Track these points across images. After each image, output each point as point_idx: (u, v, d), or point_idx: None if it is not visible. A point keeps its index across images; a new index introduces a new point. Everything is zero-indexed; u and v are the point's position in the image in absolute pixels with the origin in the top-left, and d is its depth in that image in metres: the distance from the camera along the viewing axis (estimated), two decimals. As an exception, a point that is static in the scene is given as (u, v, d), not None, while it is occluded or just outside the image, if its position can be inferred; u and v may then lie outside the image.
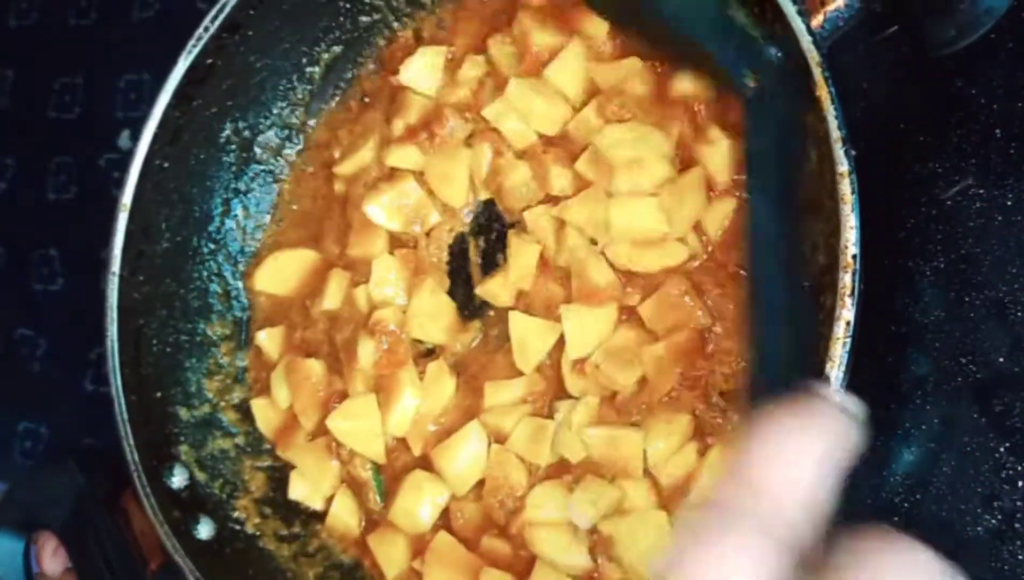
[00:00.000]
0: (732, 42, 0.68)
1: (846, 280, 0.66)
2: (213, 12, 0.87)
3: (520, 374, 0.86)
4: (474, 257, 0.92)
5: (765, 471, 0.39)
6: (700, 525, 0.38)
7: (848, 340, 0.65)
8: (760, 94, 0.65)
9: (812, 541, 0.38)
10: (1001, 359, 0.76)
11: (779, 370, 0.49)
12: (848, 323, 0.65)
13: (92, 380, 1.12)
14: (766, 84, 0.65)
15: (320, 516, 0.92)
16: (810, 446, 0.39)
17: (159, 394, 0.91)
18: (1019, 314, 0.76)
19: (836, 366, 0.65)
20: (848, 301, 0.65)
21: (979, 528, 0.74)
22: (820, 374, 0.57)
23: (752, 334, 0.52)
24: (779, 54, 0.67)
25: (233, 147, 0.97)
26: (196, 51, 0.88)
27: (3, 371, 1.17)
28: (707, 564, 0.37)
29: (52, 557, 0.83)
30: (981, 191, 0.79)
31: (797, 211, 0.61)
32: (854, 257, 0.66)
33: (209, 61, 0.89)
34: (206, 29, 0.88)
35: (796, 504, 0.38)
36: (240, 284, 0.99)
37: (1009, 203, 0.78)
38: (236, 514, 0.92)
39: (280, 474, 0.94)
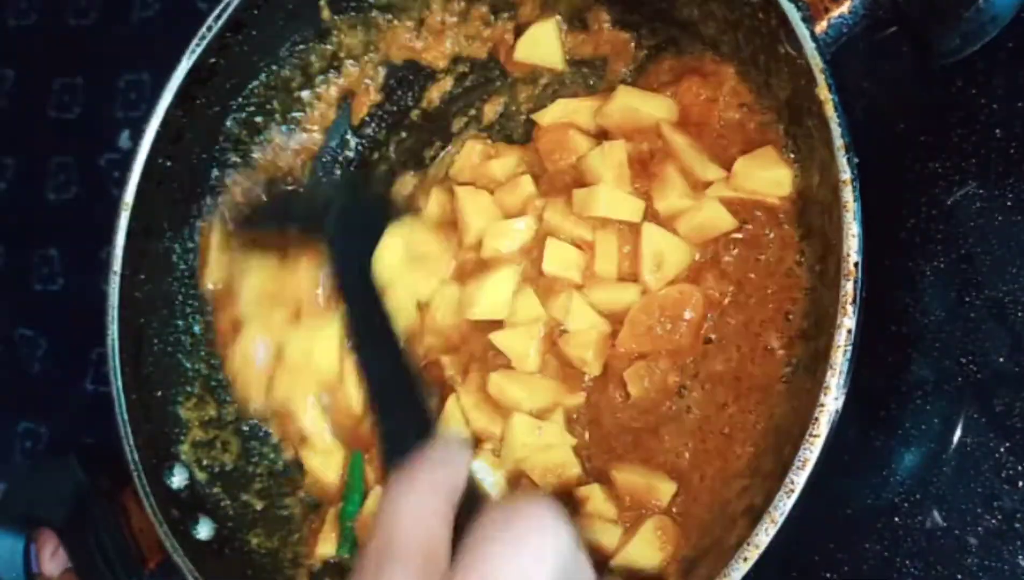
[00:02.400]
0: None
1: (847, 288, 0.65)
2: (217, 11, 0.87)
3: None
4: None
5: (395, 517, 0.51)
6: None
7: (849, 348, 0.65)
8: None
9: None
10: (1001, 359, 0.76)
11: (404, 437, 0.61)
12: (849, 331, 0.65)
13: (92, 380, 1.12)
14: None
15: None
16: (426, 489, 0.52)
17: (160, 393, 0.91)
18: (1019, 314, 0.76)
19: (836, 374, 0.65)
20: (849, 309, 0.65)
21: (979, 528, 0.74)
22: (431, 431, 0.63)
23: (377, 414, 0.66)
24: None
25: (235, 146, 0.97)
26: (199, 50, 0.87)
27: (3, 371, 1.17)
28: None
29: (52, 558, 0.83)
30: (981, 191, 0.79)
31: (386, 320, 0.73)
32: (856, 265, 0.66)
33: (212, 60, 0.89)
34: (209, 28, 0.87)
35: (425, 535, 0.51)
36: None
37: (1009, 203, 0.78)
38: (236, 514, 0.92)
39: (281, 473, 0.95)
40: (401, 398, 0.66)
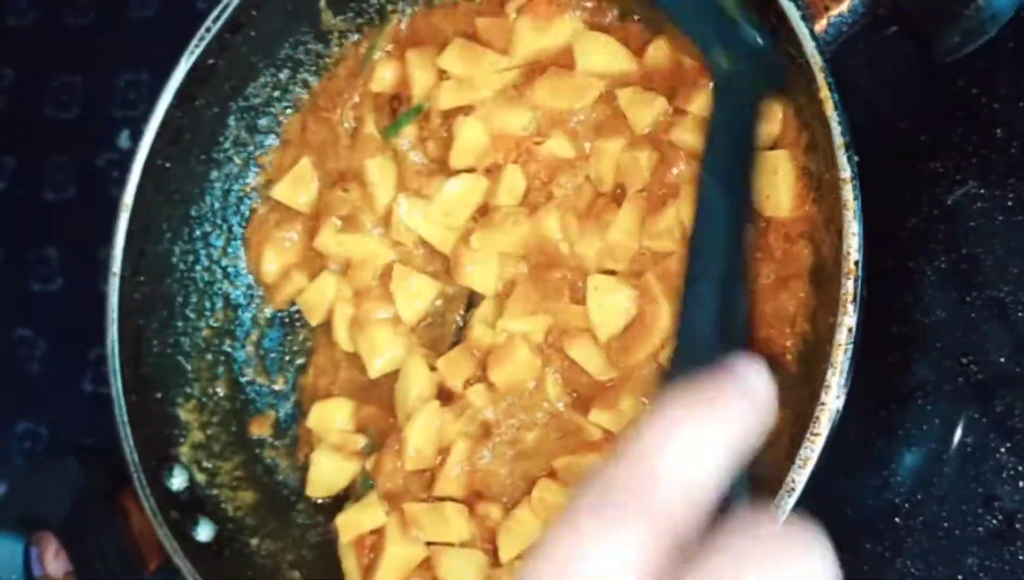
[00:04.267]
0: (710, 18, 0.64)
1: (848, 286, 0.66)
2: (216, 12, 0.87)
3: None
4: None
5: (661, 456, 0.35)
6: (580, 507, 0.35)
7: (850, 347, 0.65)
8: (730, 76, 0.61)
9: (697, 528, 0.35)
10: (1002, 359, 0.76)
11: (703, 350, 0.45)
12: (850, 330, 0.65)
13: (92, 380, 1.11)
14: (739, 67, 0.61)
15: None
16: (713, 432, 0.36)
17: (159, 394, 0.91)
18: (1020, 314, 0.76)
19: (838, 373, 0.65)
20: (850, 307, 0.65)
21: (980, 529, 0.74)
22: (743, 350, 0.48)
23: (683, 310, 0.48)
24: (758, 40, 0.63)
25: (235, 147, 0.97)
26: (199, 51, 0.87)
27: (2, 371, 1.17)
28: (580, 555, 0.34)
29: (55, 559, 0.83)
30: (982, 191, 0.79)
31: (747, 193, 0.57)
32: (856, 263, 0.66)
33: (211, 61, 0.89)
34: (208, 29, 0.87)
35: (688, 494, 0.35)
36: (242, 283, 0.99)
37: (1010, 203, 0.78)
38: (236, 516, 0.91)
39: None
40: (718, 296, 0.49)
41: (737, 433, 0.37)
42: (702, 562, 0.34)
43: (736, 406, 0.37)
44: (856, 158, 0.67)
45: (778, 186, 0.76)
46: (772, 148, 0.78)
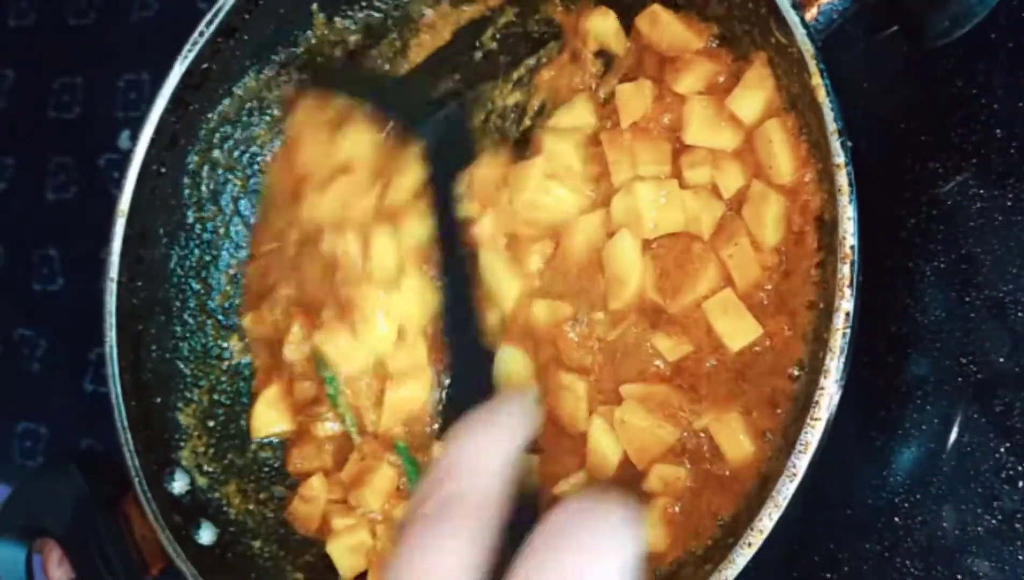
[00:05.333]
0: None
1: (844, 271, 0.66)
2: (208, 16, 0.87)
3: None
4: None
5: (459, 463, 0.51)
6: (414, 517, 0.50)
7: (847, 331, 0.65)
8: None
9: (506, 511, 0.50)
10: (1001, 359, 0.76)
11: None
12: (847, 314, 0.65)
13: (92, 380, 1.12)
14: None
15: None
16: (492, 438, 0.52)
17: (159, 399, 0.91)
18: (1019, 314, 0.76)
19: (836, 356, 0.65)
20: (847, 291, 0.66)
21: (979, 528, 0.74)
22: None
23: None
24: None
25: (230, 151, 0.97)
26: (192, 56, 0.87)
27: (3, 371, 1.18)
28: (423, 551, 0.48)
29: (58, 566, 0.83)
30: (981, 191, 0.79)
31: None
32: (852, 248, 0.66)
33: (205, 66, 0.89)
34: (201, 33, 0.87)
35: (486, 485, 0.50)
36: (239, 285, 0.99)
37: (1009, 203, 0.78)
38: (238, 519, 0.92)
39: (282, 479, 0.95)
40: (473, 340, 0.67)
41: (508, 436, 0.53)
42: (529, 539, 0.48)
43: (506, 420, 0.54)
44: (849, 144, 0.68)
45: (775, 153, 0.76)
46: (762, 120, 0.78)
